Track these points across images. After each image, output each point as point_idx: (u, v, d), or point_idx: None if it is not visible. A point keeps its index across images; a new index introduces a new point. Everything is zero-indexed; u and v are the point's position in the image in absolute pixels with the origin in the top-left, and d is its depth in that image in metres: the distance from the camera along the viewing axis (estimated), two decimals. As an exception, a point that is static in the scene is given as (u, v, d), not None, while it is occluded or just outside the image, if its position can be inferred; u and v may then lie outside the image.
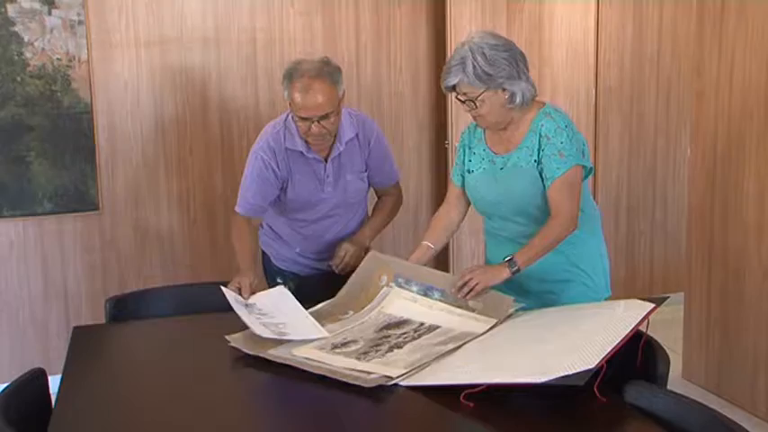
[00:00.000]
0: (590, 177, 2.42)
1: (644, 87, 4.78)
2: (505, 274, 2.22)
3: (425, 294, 2.30)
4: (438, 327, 2.19)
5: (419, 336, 2.14)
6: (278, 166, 2.65)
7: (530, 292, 2.37)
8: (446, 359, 1.98)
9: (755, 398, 3.47)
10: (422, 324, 2.22)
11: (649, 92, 4.80)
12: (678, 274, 4.63)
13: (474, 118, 2.36)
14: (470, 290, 2.21)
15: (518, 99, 2.28)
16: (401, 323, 2.24)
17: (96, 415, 1.84)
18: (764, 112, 3.32)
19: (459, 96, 2.31)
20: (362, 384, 1.84)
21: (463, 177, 2.51)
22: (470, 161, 2.47)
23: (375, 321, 2.26)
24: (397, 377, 1.88)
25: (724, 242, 3.60)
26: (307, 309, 2.32)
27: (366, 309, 2.32)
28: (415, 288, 2.33)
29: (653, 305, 1.98)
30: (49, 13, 3.69)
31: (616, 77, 4.70)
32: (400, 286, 2.35)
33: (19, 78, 3.68)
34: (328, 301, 2.38)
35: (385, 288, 2.36)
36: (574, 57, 4.57)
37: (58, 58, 3.72)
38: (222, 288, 2.43)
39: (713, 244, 3.67)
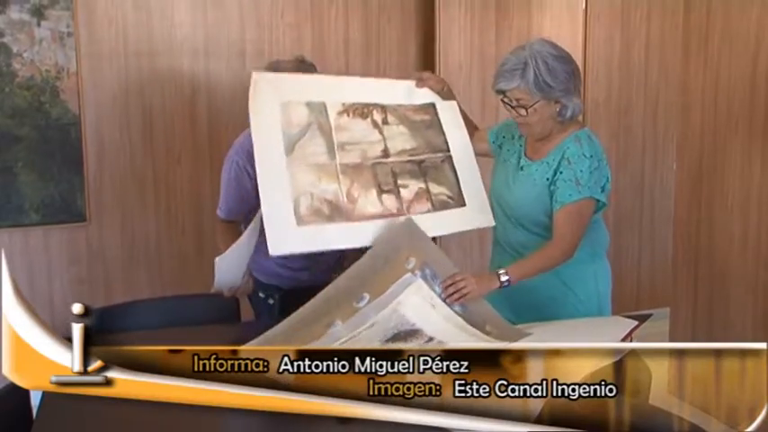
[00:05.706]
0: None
1: (631, 101, 4.81)
2: (494, 285, 2.19)
3: (446, 300, 2.19)
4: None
5: None
6: (253, 169, 2.68)
7: (515, 305, 2.36)
8: None
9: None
10: (430, 340, 2.14)
11: (636, 106, 4.83)
12: (665, 287, 4.65)
13: (519, 125, 2.34)
14: (456, 292, 2.13)
15: (568, 113, 2.28)
16: (411, 333, 2.16)
17: (77, 430, 1.83)
18: (748, 127, 3.35)
19: (507, 100, 2.27)
20: None
21: (494, 138, 2.54)
22: (508, 150, 2.46)
23: (386, 326, 2.16)
24: None
25: (710, 256, 3.61)
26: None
27: (384, 296, 2.19)
28: (438, 289, 2.20)
29: (635, 323, 2.00)
30: (39, 25, 3.68)
31: (603, 91, 4.73)
32: (425, 280, 2.21)
33: (7, 89, 3.67)
34: (352, 268, 2.23)
35: (410, 275, 2.21)
36: (562, 71, 4.59)
37: (46, 70, 3.72)
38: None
39: (699, 258, 3.68)
